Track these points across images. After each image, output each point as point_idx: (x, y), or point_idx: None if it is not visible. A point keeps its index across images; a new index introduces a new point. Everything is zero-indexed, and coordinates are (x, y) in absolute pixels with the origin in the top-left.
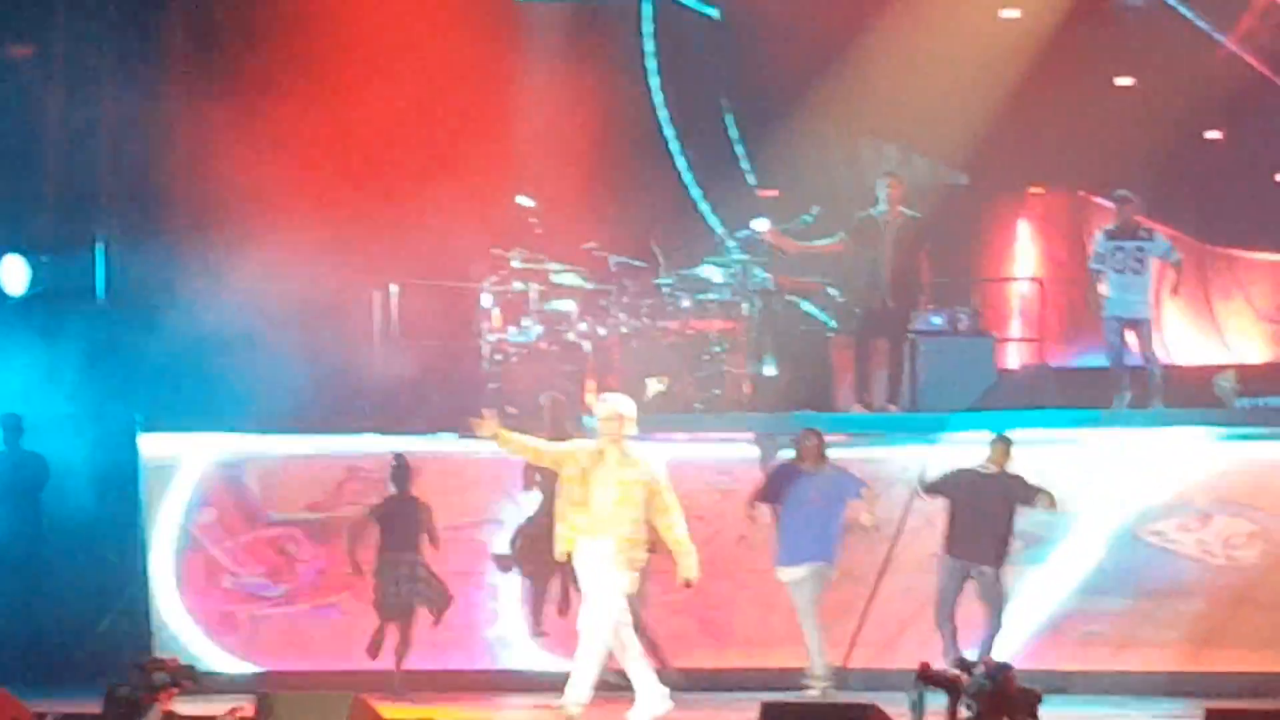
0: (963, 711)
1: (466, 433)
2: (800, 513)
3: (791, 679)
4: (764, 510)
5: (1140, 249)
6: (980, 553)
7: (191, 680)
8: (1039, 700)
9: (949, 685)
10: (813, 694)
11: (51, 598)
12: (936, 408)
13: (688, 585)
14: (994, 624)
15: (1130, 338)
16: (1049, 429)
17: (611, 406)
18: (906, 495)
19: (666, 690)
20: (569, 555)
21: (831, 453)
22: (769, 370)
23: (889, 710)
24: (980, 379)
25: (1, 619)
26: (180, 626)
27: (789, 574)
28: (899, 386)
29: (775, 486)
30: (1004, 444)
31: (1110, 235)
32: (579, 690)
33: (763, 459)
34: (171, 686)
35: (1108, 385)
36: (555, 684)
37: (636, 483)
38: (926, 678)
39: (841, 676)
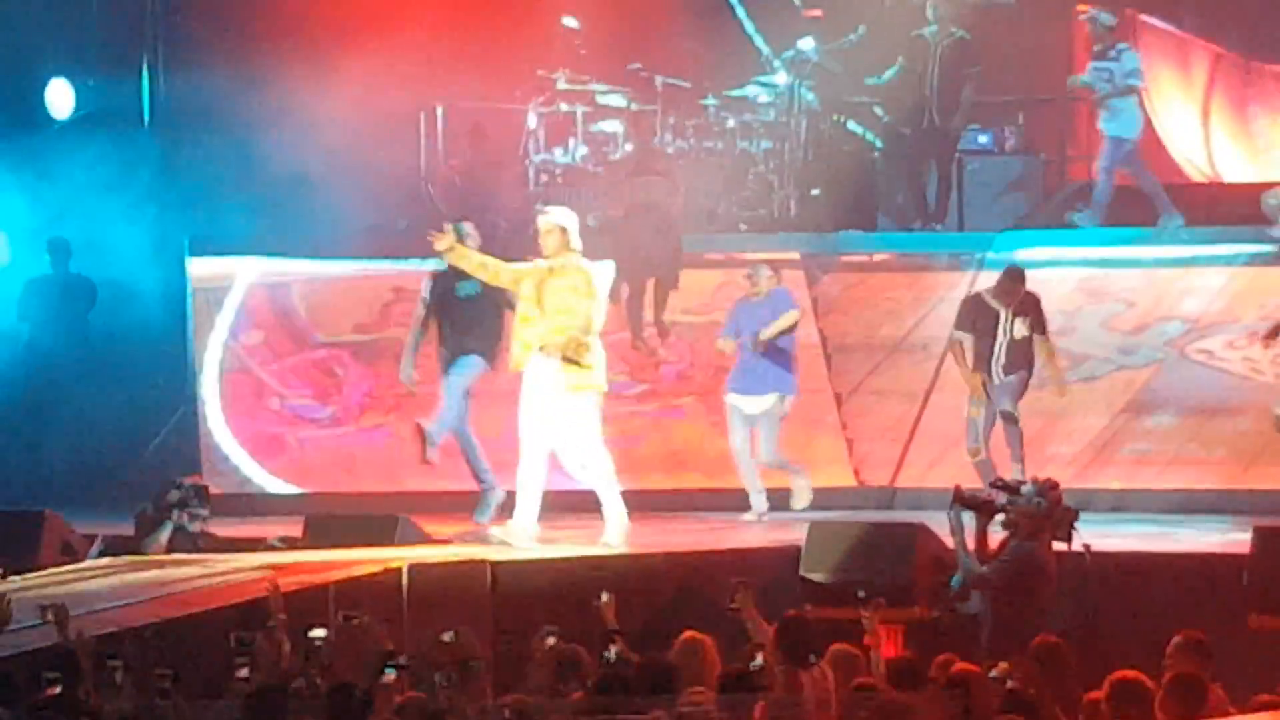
0: (995, 530)
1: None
2: (751, 345)
3: (837, 498)
4: (729, 346)
5: (1109, 70)
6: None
7: (201, 501)
8: (1076, 518)
9: (981, 506)
10: (748, 518)
11: (100, 421)
12: (983, 226)
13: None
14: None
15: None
16: (1096, 247)
17: (551, 219)
18: (952, 313)
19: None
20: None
21: (878, 275)
22: (815, 190)
23: (936, 529)
24: (1027, 197)
25: (51, 443)
26: (228, 449)
27: (752, 404)
28: (946, 205)
29: (733, 323)
30: (1017, 276)
31: (1094, 58)
32: (526, 518)
33: (808, 279)
34: (183, 506)
35: (1153, 203)
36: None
37: (572, 292)
38: (961, 500)
39: (889, 495)
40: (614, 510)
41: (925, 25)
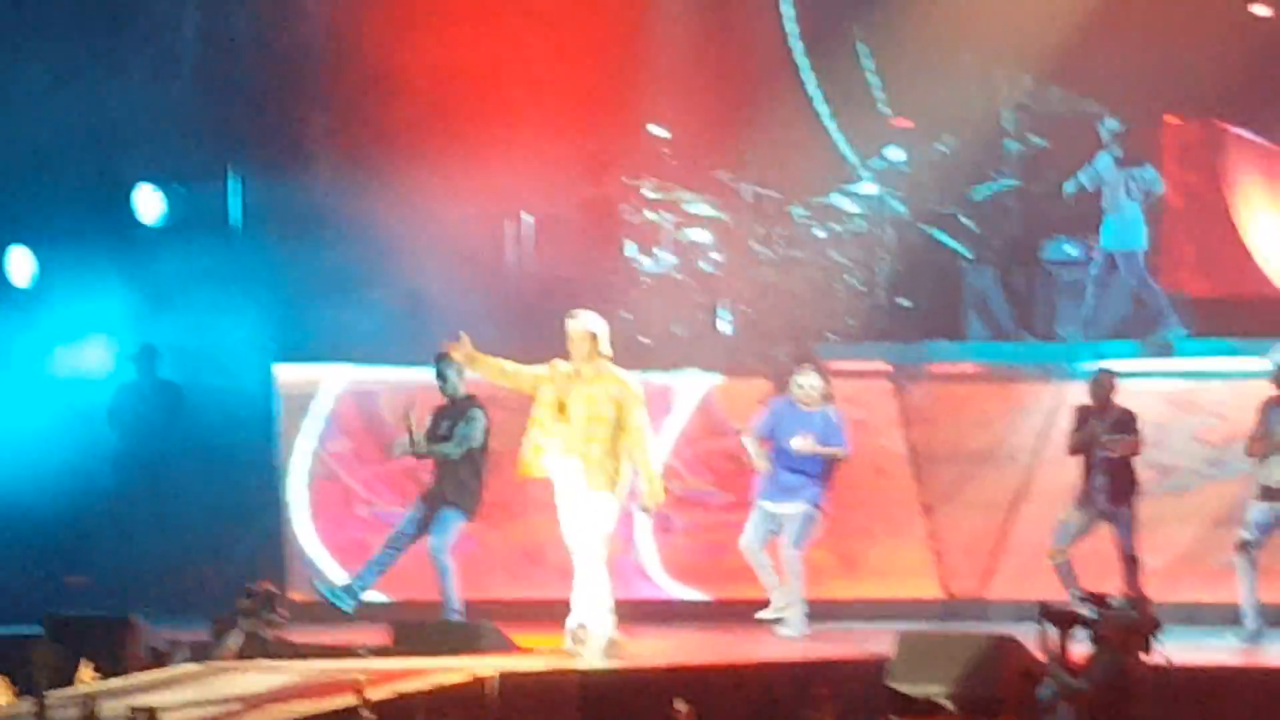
0: (1076, 644)
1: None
2: (791, 451)
3: (927, 609)
4: (753, 445)
5: (1097, 174)
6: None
7: (270, 607)
8: (1158, 629)
9: (1067, 620)
10: (778, 622)
11: (186, 527)
12: (1071, 337)
13: (645, 511)
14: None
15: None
16: (1185, 359)
17: (582, 324)
18: (1041, 423)
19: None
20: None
21: (967, 385)
22: (902, 300)
23: (1025, 641)
24: (1115, 308)
25: (137, 547)
26: (315, 555)
27: (780, 508)
28: (1036, 315)
29: (771, 423)
30: (1108, 377)
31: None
32: (589, 615)
33: (896, 389)
34: (253, 614)
35: (1242, 315)
36: (693, 613)
37: (607, 400)
38: (1048, 614)
39: (977, 607)
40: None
41: (1007, 136)
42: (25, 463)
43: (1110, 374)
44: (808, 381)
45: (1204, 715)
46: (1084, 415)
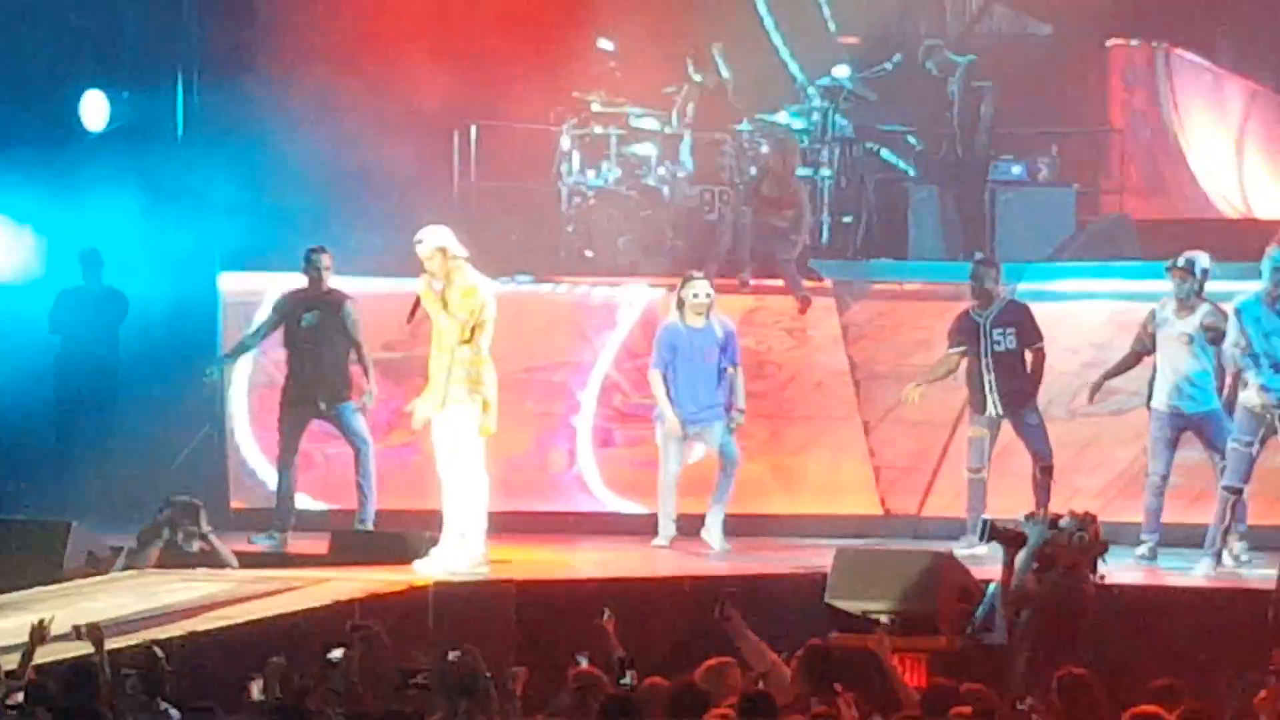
0: (1020, 563)
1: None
2: (691, 369)
3: (865, 525)
4: (660, 385)
5: None
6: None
7: (193, 519)
8: (1105, 551)
9: (1013, 539)
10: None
11: (129, 434)
12: (1015, 257)
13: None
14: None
15: None
16: (1129, 280)
17: (427, 245)
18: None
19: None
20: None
21: (909, 304)
22: (846, 217)
23: (962, 558)
24: (1059, 229)
25: (80, 455)
26: (255, 464)
27: (700, 429)
28: (980, 234)
29: (669, 352)
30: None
31: None
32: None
33: (838, 306)
34: (173, 525)
35: (1186, 238)
36: (633, 526)
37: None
38: (994, 534)
39: (916, 524)
40: (454, 535)
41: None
42: None
43: (987, 260)
44: (703, 290)
45: (1149, 636)
46: (965, 313)
